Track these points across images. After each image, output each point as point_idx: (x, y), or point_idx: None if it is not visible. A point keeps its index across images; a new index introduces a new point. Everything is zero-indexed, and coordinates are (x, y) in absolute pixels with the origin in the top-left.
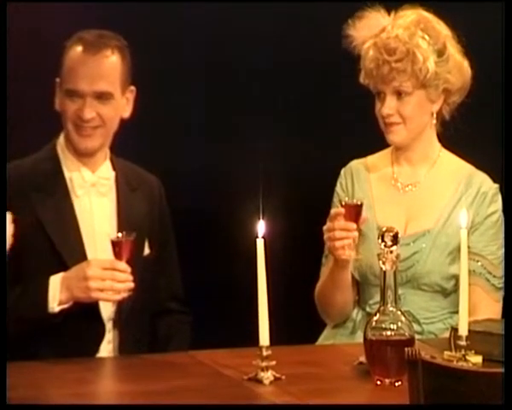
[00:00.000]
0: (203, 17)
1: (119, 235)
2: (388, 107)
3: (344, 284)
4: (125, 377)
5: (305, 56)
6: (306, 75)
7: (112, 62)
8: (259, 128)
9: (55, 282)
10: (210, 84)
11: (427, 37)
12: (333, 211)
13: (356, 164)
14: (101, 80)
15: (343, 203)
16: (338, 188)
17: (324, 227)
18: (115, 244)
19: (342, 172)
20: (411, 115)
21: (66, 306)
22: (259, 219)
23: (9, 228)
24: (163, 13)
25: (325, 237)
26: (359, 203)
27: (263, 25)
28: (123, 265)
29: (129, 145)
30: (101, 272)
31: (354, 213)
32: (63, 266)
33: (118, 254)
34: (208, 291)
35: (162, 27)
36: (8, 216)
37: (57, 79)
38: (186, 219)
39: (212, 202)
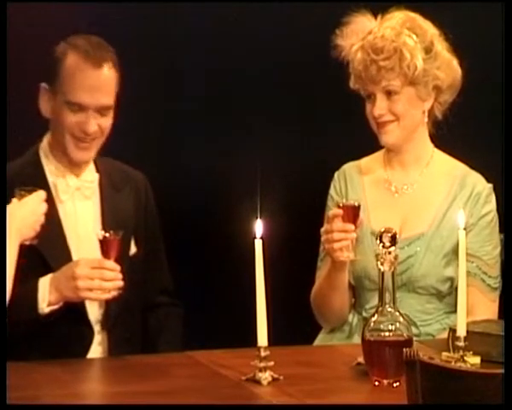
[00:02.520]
0: (202, 17)
1: (107, 234)
2: (379, 107)
3: (341, 287)
4: (122, 378)
5: (305, 58)
6: (306, 77)
7: (110, 75)
8: (258, 128)
9: (45, 283)
10: (209, 84)
11: (413, 35)
12: (331, 212)
13: (349, 167)
14: (104, 94)
15: (341, 205)
16: (332, 191)
17: (322, 229)
18: (103, 243)
19: (336, 175)
20: (403, 112)
21: (56, 307)
22: (257, 219)
23: (42, 207)
24: (162, 13)
25: (323, 238)
26: (357, 204)
27: (263, 24)
28: (111, 263)
29: (128, 145)
30: (90, 271)
31: (352, 214)
32: (49, 271)
33: (106, 253)
34: (206, 292)
35: (162, 27)
36: (41, 194)
37: (44, 85)
38: (184, 219)
39: (210, 203)
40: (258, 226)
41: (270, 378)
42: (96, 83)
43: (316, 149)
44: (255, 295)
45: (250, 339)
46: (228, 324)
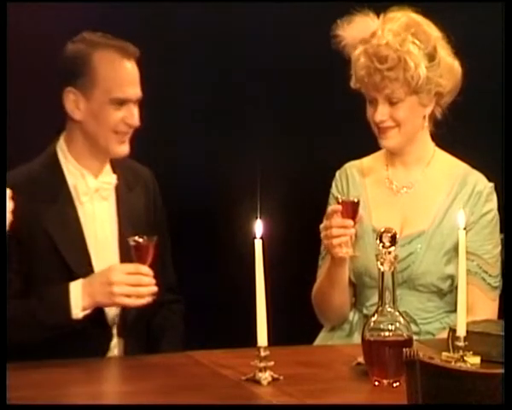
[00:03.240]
0: (203, 17)
1: (141, 239)
2: (381, 113)
3: (341, 284)
4: (124, 378)
5: (306, 56)
6: (306, 75)
7: (135, 65)
8: (258, 128)
9: (77, 288)
10: (210, 84)
11: (417, 41)
12: (329, 208)
13: (351, 166)
14: (138, 84)
15: (340, 200)
16: (333, 190)
17: (321, 225)
18: (137, 248)
19: (337, 174)
20: (404, 119)
21: (88, 311)
22: (257, 219)
23: (8, 205)
24: (162, 13)
25: (322, 235)
26: (356, 200)
27: (263, 24)
28: (146, 269)
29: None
30: (126, 276)
31: (351, 210)
32: (69, 273)
33: (140, 258)
34: (206, 292)
35: (162, 27)
36: (8, 192)
37: (69, 88)
38: (184, 219)
39: (210, 203)
40: (258, 226)
41: (270, 378)
42: (132, 75)
43: (316, 149)
44: (255, 295)
45: (250, 339)
46: (228, 324)
